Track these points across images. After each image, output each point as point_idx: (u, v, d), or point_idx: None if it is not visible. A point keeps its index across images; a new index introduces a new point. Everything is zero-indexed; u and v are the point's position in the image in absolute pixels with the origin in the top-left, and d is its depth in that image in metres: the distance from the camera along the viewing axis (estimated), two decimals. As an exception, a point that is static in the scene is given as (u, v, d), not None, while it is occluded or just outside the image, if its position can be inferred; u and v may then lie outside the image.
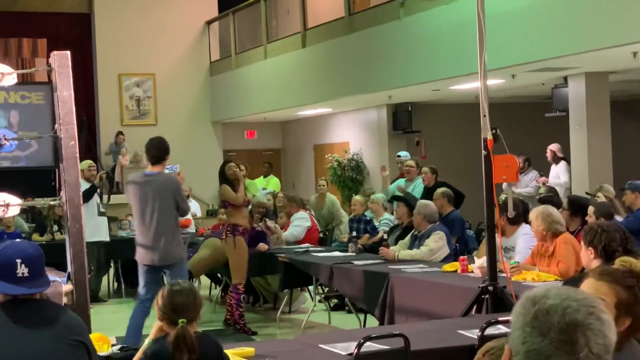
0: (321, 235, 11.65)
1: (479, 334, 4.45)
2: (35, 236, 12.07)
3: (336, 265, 8.30)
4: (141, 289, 7.88)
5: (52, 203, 6.77)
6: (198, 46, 20.21)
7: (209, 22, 20.23)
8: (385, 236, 9.24)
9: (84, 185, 10.64)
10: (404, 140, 17.12)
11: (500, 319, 4.61)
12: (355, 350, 4.15)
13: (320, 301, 10.06)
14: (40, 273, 3.57)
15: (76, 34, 19.69)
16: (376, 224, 10.81)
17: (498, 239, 5.81)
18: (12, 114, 18.91)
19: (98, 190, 11.62)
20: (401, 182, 12.21)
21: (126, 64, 19.58)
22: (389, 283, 7.34)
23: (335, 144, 18.90)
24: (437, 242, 8.37)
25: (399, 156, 13.08)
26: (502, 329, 4.69)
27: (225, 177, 9.28)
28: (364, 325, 8.95)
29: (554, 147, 13.45)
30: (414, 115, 16.78)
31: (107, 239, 11.57)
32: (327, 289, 10.17)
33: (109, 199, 12.19)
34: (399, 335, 4.26)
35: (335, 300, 10.73)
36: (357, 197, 11.23)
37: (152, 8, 19.74)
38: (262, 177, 17.29)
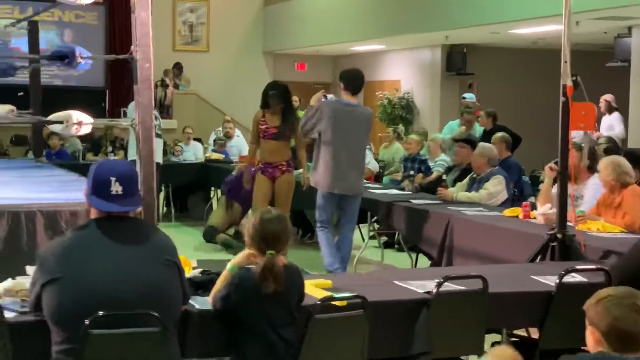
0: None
1: (557, 281, 4.44)
2: (90, 155, 12.16)
3: (396, 203, 8.28)
4: (318, 213, 7.93)
5: (125, 124, 6.81)
6: (254, -26, 20.09)
7: (266, -49, 20.08)
8: (445, 177, 9.17)
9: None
10: (456, 82, 17.00)
11: (577, 267, 4.59)
12: (435, 289, 4.15)
13: (372, 237, 10.08)
14: (133, 191, 3.60)
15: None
16: (431, 164, 10.76)
17: (571, 186, 5.75)
18: (66, 33, 18.99)
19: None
20: (454, 124, 12.11)
21: (181, -11, 19.52)
22: (450, 224, 7.33)
23: (386, 81, 18.78)
24: (496, 187, 8.33)
25: (464, 97, 12.96)
26: (576, 277, 4.68)
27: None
28: (415, 265, 8.98)
29: (608, 97, 13.26)
30: (469, 57, 16.62)
31: (160, 161, 11.53)
32: (377, 226, 10.16)
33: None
34: (477, 277, 4.26)
35: (384, 238, 10.76)
36: (413, 136, 11.17)
37: None
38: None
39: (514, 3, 12.51)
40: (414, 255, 9.09)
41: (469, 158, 9.23)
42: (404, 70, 18.21)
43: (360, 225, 10.78)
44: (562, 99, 5.65)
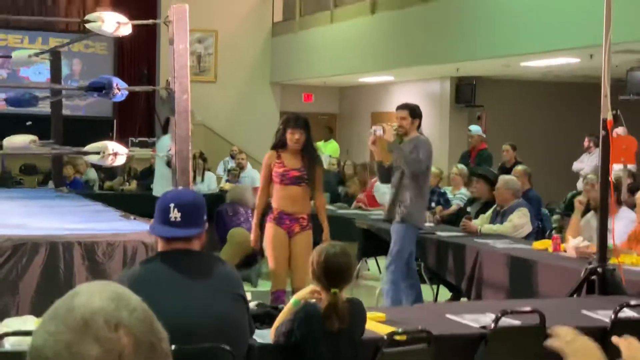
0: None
1: (612, 316, 4.43)
2: (108, 183, 12.16)
3: (421, 235, 8.26)
4: (402, 254, 7.67)
5: (161, 155, 6.86)
6: (261, 6, 20.13)
7: (273, -17, 20.16)
8: (469, 210, 9.17)
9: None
10: (465, 114, 17.03)
11: (632, 302, 4.58)
12: (493, 324, 4.13)
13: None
14: (194, 220, 3.51)
15: (141, -14, 19.66)
16: (450, 196, 10.75)
17: (611, 220, 5.74)
18: (75, 62, 19.04)
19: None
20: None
21: (189, 19, 19.51)
22: (478, 257, 7.32)
23: (394, 112, 18.76)
24: (521, 219, 8.33)
25: (469, 130, 12.99)
26: (626, 311, 4.66)
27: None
28: (436, 297, 8.95)
29: (620, 130, 13.25)
30: (478, 89, 16.67)
31: None
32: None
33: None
34: (534, 312, 4.25)
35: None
36: (431, 169, 11.14)
37: (218, -35, 19.69)
38: (322, 141, 17.26)
39: (527, 36, 12.55)
40: (435, 287, 9.08)
41: (486, 192, 9.26)
42: (412, 102, 18.19)
43: (378, 257, 10.80)
44: (602, 132, 5.66)
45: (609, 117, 5.66)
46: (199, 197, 3.69)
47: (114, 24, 6.11)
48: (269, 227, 7.06)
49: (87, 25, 6.19)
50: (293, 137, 7.02)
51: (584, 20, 10.92)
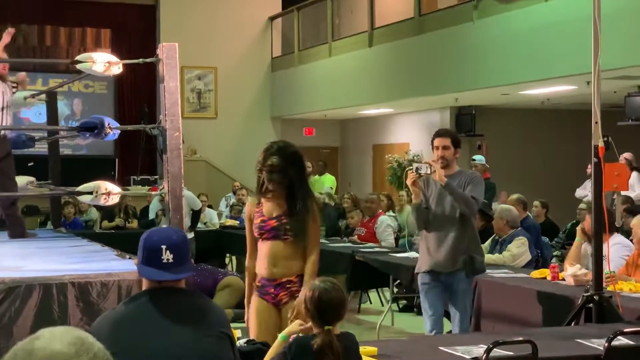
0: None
1: (606, 344, 4.39)
2: (105, 223, 12.15)
3: (420, 267, 8.22)
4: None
5: (154, 193, 6.87)
6: (260, 42, 20.26)
7: (272, 18, 20.27)
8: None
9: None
10: (466, 144, 16.99)
11: (625, 330, 4.54)
12: (484, 356, 4.10)
13: (394, 301, 10.03)
14: (185, 260, 3.53)
15: (141, 26, 19.79)
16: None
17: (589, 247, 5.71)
18: (75, 102, 19.15)
19: None
20: None
21: (189, 57, 19.58)
22: (476, 287, 7.27)
23: (396, 144, 18.83)
24: (519, 248, 8.32)
25: (473, 160, 12.97)
26: (621, 339, 4.62)
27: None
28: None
29: (628, 155, 12.97)
30: (478, 118, 16.68)
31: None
32: (396, 290, 10.12)
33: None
34: (526, 342, 4.21)
35: (403, 302, 10.71)
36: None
37: (216, 2, 19.83)
38: (317, 175, 17.27)
39: (523, 64, 12.59)
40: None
41: (479, 222, 9.23)
42: (413, 133, 18.26)
43: (379, 289, 10.78)
44: (594, 160, 5.64)
45: (600, 144, 5.63)
46: (184, 234, 3.69)
47: (104, 63, 6.12)
48: (253, 300, 5.31)
49: (78, 66, 6.20)
50: (270, 176, 5.23)
51: (579, 47, 10.94)
